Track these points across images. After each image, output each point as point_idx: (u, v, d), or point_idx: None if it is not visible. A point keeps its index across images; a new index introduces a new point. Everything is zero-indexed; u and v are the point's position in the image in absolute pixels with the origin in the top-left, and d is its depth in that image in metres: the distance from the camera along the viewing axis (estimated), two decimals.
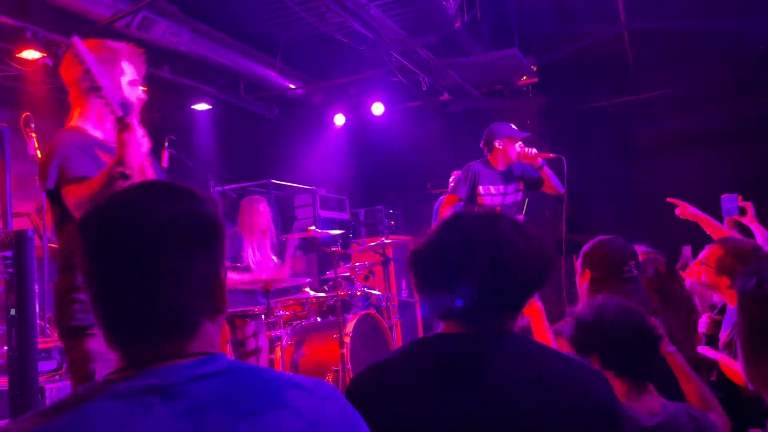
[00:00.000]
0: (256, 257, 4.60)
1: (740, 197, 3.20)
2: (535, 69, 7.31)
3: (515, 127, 4.39)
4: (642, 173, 8.07)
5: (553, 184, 4.30)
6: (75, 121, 2.28)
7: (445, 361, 1.28)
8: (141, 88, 2.38)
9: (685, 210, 3.26)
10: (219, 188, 6.23)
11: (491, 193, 4.31)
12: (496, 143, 4.30)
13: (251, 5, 5.65)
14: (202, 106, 6.74)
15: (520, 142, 4.29)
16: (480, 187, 4.28)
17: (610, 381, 1.32)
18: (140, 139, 2.09)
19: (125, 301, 0.91)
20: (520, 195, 4.45)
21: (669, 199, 3.25)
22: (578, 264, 2.43)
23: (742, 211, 3.21)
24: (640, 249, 3.81)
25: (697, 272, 2.99)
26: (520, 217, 4.55)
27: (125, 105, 2.11)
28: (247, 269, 4.59)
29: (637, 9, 6.38)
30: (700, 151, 7.87)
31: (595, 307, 1.74)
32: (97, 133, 2.29)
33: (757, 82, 7.45)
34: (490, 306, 1.30)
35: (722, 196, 3.24)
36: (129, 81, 2.33)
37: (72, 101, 2.31)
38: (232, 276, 4.46)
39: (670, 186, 7.74)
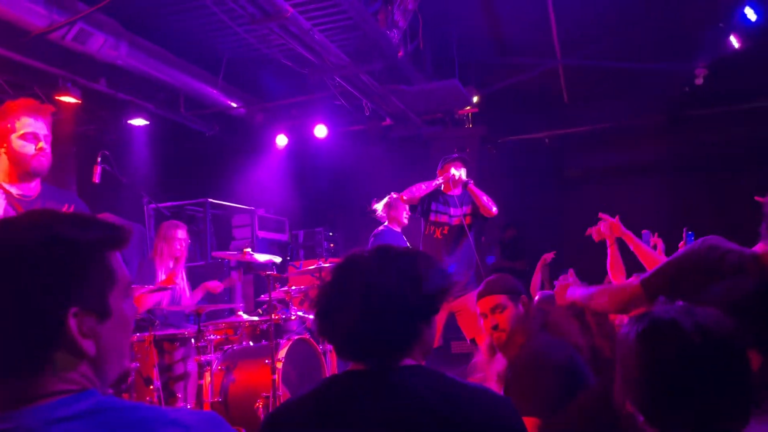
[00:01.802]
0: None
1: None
2: (475, 99, 7.49)
3: (457, 155, 4.88)
4: (575, 203, 8.35)
5: (483, 203, 4.65)
6: None
7: (344, 400, 1.31)
8: (40, 143, 2.60)
9: (613, 225, 3.23)
10: (153, 205, 6.09)
11: (440, 212, 4.78)
12: (438, 170, 4.78)
13: (194, 23, 5.59)
14: (139, 122, 6.58)
15: (452, 167, 4.71)
16: (432, 204, 4.78)
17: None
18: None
19: None
20: (468, 219, 4.79)
21: (601, 214, 3.31)
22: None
23: (654, 247, 3.34)
24: (567, 278, 3.92)
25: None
26: (462, 244, 4.70)
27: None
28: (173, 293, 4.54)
29: (571, 45, 6.65)
30: (628, 184, 8.22)
31: None
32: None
33: (681, 121, 7.86)
34: (380, 343, 1.32)
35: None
36: (19, 136, 2.56)
37: None
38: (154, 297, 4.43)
39: (598, 217, 8.02)
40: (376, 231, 5.29)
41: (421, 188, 4.76)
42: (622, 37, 6.59)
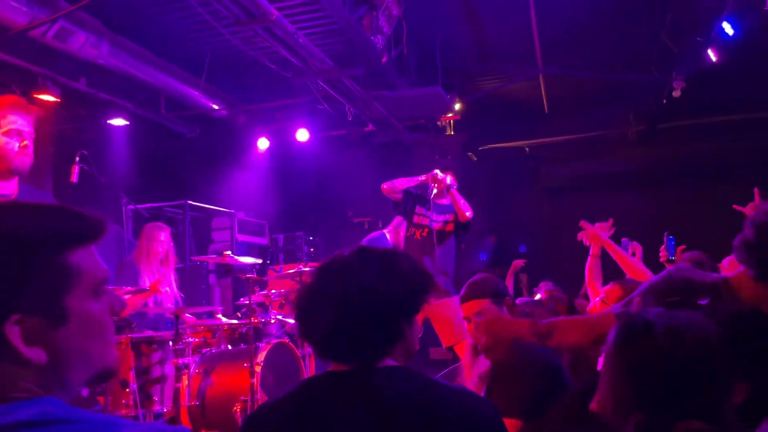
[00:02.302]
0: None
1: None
2: (458, 107, 7.54)
3: (449, 165, 5.23)
4: (554, 211, 8.44)
5: (459, 205, 4.80)
6: None
7: (323, 401, 1.30)
8: (24, 141, 2.61)
9: (593, 234, 3.27)
10: (132, 206, 6.03)
11: (423, 215, 4.92)
12: (423, 176, 4.94)
13: (177, 24, 5.55)
14: (119, 121, 6.51)
15: (436, 170, 4.91)
16: (417, 207, 4.95)
17: None
18: None
19: None
20: (450, 227, 4.92)
21: (581, 223, 3.33)
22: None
23: (632, 255, 3.39)
24: (545, 286, 3.98)
25: (599, 310, 3.15)
26: (440, 248, 4.77)
27: None
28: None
29: (553, 55, 6.73)
30: (606, 193, 8.32)
31: None
32: None
33: (659, 132, 7.99)
34: (360, 343, 1.32)
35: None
36: (3, 132, 2.56)
37: None
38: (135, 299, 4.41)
39: (578, 225, 8.10)
40: (369, 237, 5.37)
41: (402, 181, 4.95)
42: (602, 48, 6.69)
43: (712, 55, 5.50)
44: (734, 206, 2.74)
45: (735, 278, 1.76)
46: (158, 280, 4.48)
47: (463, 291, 2.53)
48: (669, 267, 3.20)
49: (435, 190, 4.90)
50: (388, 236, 5.33)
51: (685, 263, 2.14)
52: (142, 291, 4.41)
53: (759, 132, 7.62)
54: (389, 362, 1.35)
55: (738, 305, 1.68)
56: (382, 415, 1.24)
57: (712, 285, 1.78)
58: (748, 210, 2.62)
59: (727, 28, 5.05)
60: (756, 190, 2.71)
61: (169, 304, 4.66)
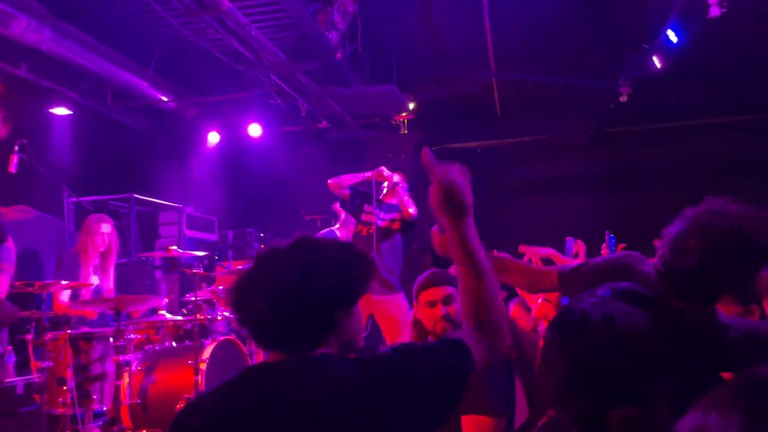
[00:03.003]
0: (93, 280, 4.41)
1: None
2: (412, 106, 7.56)
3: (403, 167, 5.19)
4: (505, 213, 8.55)
5: (403, 201, 4.87)
6: None
7: (253, 389, 1.30)
8: None
9: (533, 252, 3.33)
10: (74, 199, 5.83)
11: (371, 213, 4.97)
12: (368, 172, 4.95)
13: (125, 11, 5.40)
14: (61, 111, 6.29)
15: (383, 167, 4.97)
16: (365, 205, 4.99)
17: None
18: None
19: None
20: (396, 225, 4.97)
21: (521, 248, 3.33)
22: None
23: (576, 255, 3.46)
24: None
25: (543, 310, 3.19)
26: (386, 246, 4.80)
27: None
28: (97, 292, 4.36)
29: (506, 59, 6.82)
30: (555, 195, 8.49)
31: None
32: None
33: (606, 137, 8.19)
34: (290, 332, 1.32)
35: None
36: None
37: None
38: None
39: (530, 227, 8.25)
40: (319, 234, 5.35)
41: (348, 177, 4.97)
42: (553, 54, 6.81)
43: (657, 61, 5.66)
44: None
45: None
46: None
47: (425, 278, 2.46)
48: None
49: (385, 190, 4.94)
50: (338, 233, 5.32)
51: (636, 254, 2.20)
52: (81, 286, 4.27)
53: (701, 138, 7.90)
54: (323, 351, 1.34)
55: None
56: (309, 401, 1.23)
57: (647, 280, 1.84)
58: None
59: (672, 36, 5.20)
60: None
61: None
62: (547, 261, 3.29)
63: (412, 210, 4.88)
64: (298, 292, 1.30)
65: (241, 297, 1.37)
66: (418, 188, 5.15)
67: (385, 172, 4.92)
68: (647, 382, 1.08)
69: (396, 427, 1.25)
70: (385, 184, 4.97)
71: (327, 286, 1.33)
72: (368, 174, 4.94)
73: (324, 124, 7.57)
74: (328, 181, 5.00)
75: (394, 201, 4.98)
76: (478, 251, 1.48)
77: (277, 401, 1.25)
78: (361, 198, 5.01)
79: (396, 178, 4.95)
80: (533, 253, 3.12)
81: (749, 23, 5.85)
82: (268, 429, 1.23)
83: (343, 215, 5.44)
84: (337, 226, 5.49)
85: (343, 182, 4.96)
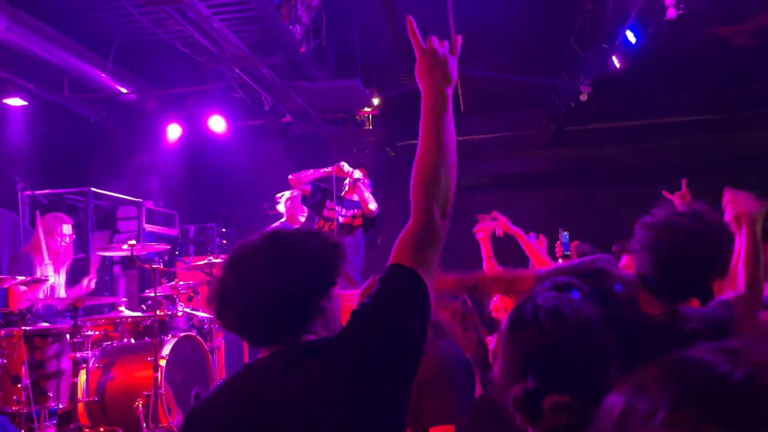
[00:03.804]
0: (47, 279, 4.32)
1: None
2: (376, 102, 7.56)
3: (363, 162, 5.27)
4: (466, 208, 8.61)
5: (363, 198, 4.89)
6: None
7: (256, 385, 1.33)
8: None
9: (502, 223, 3.30)
10: (29, 192, 5.67)
11: (331, 208, 4.99)
12: (329, 168, 4.95)
13: (85, 2, 5.27)
14: (16, 101, 6.10)
15: (343, 162, 4.97)
16: (327, 201, 5.00)
17: None
18: None
19: None
20: (358, 222, 5.00)
21: (494, 213, 3.34)
22: None
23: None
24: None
25: (505, 303, 3.24)
26: (347, 241, 4.81)
27: None
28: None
29: (469, 57, 6.86)
30: (516, 191, 8.61)
31: None
32: None
33: (566, 135, 8.33)
34: (279, 324, 1.35)
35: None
36: None
37: None
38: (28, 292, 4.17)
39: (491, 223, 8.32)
40: (270, 227, 5.29)
41: (308, 172, 4.94)
42: (516, 52, 6.89)
43: (616, 61, 5.78)
44: (663, 192, 2.85)
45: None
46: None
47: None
48: (563, 261, 3.34)
49: (347, 187, 4.95)
50: (292, 226, 5.30)
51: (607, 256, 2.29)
52: (37, 281, 4.16)
53: (659, 137, 8.10)
54: (309, 337, 1.38)
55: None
56: (311, 387, 1.27)
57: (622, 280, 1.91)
58: (676, 198, 2.76)
59: (630, 36, 5.32)
60: (684, 181, 2.82)
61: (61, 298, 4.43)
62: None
63: (373, 207, 4.90)
64: (283, 283, 1.33)
65: (221, 300, 1.38)
66: (380, 183, 5.16)
67: (345, 167, 4.92)
68: (594, 373, 1.13)
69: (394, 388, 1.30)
70: (347, 180, 4.98)
71: (309, 273, 1.36)
72: (328, 169, 4.93)
73: (288, 118, 7.52)
74: (289, 177, 4.99)
75: (354, 197, 4.99)
76: (449, 129, 1.50)
77: (282, 390, 1.28)
78: (322, 194, 5.01)
79: (357, 173, 4.95)
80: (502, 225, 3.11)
81: (704, 24, 6.03)
82: (274, 419, 1.26)
83: (288, 211, 5.38)
84: (283, 220, 5.44)
85: (303, 178, 4.94)
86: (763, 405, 0.51)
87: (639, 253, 1.89)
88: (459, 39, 1.54)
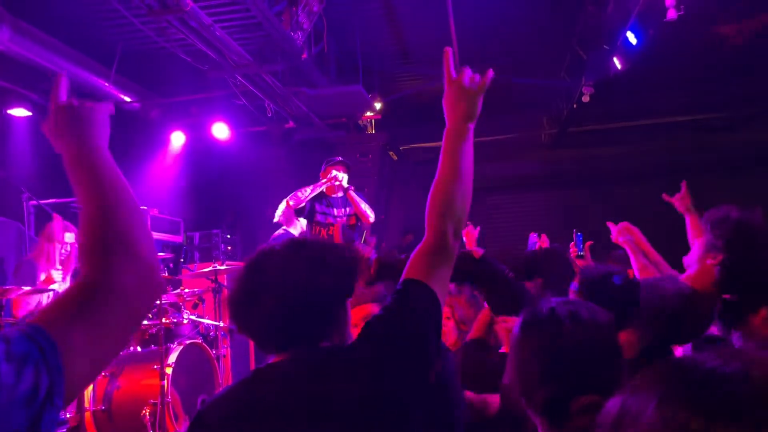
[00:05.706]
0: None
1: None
2: (378, 106, 7.58)
3: (340, 159, 5.06)
4: (472, 211, 8.63)
5: (360, 210, 4.84)
6: None
7: (272, 390, 1.33)
8: None
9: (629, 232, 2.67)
10: (34, 202, 5.70)
11: (325, 213, 4.95)
12: (321, 173, 4.96)
13: (87, 12, 5.30)
14: (20, 112, 6.14)
15: (334, 169, 4.90)
16: (317, 205, 4.93)
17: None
18: None
19: None
20: (353, 220, 4.97)
21: (609, 223, 2.94)
22: None
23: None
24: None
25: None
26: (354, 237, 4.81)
27: None
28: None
29: (471, 59, 6.85)
30: (520, 192, 8.61)
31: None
32: None
33: (569, 136, 8.33)
34: (298, 331, 1.37)
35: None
36: None
37: None
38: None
39: (496, 223, 8.34)
40: (274, 235, 5.28)
41: (306, 192, 4.88)
42: (518, 54, 6.90)
43: (617, 62, 5.78)
44: (663, 195, 2.81)
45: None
46: (50, 276, 4.25)
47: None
48: (579, 262, 3.32)
49: (323, 187, 4.88)
50: (294, 232, 5.26)
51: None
52: (40, 291, 4.17)
53: (660, 137, 8.09)
54: (325, 344, 1.40)
55: None
56: (326, 393, 1.27)
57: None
58: (676, 200, 2.73)
59: (631, 38, 5.32)
60: (684, 183, 2.77)
61: None
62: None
63: (371, 218, 4.88)
64: (308, 291, 1.35)
65: (241, 303, 1.40)
66: (383, 187, 5.16)
67: (339, 176, 4.84)
68: (612, 373, 1.17)
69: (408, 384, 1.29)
70: (340, 194, 4.97)
71: (328, 282, 1.38)
72: (322, 182, 4.89)
73: (290, 124, 7.54)
74: (289, 203, 4.88)
75: (339, 193, 4.97)
76: (467, 157, 1.57)
77: (296, 393, 1.29)
78: (311, 200, 4.96)
79: (344, 180, 4.88)
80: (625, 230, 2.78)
81: (705, 24, 6.03)
82: (289, 422, 1.27)
83: (286, 223, 5.33)
84: (284, 227, 5.39)
85: (301, 200, 4.86)
86: (749, 396, 0.52)
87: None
88: (490, 73, 1.58)
